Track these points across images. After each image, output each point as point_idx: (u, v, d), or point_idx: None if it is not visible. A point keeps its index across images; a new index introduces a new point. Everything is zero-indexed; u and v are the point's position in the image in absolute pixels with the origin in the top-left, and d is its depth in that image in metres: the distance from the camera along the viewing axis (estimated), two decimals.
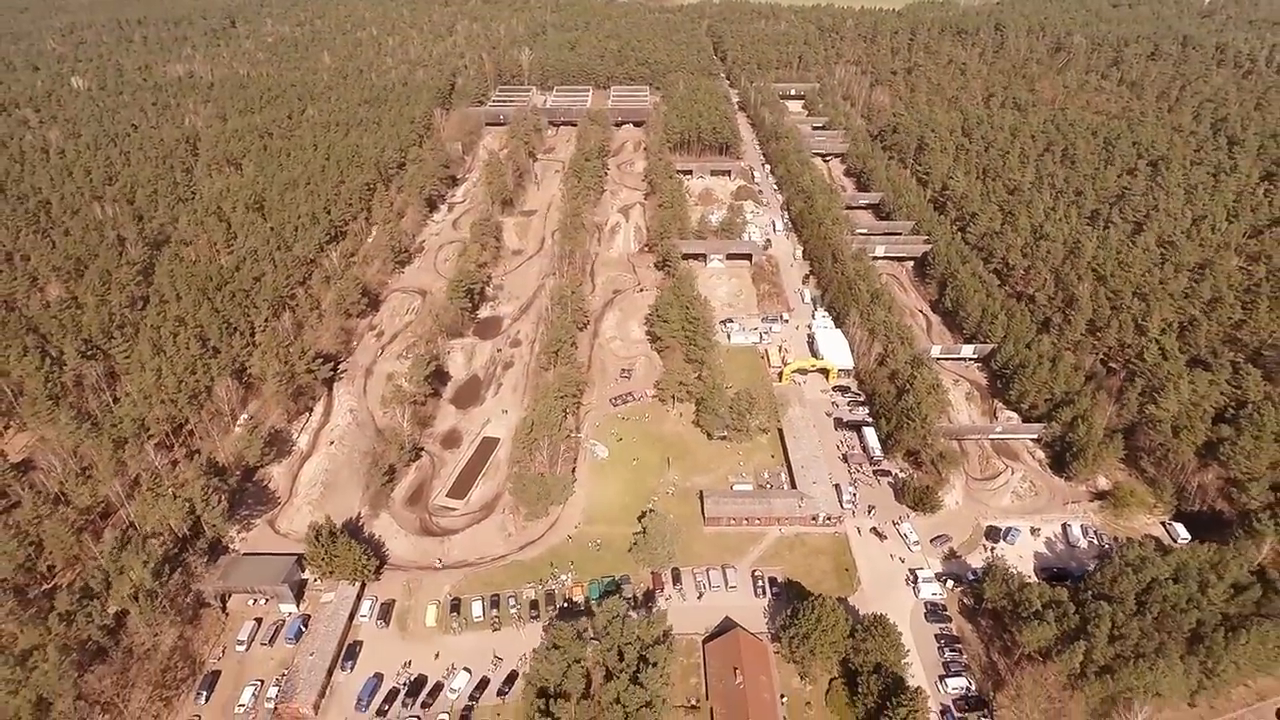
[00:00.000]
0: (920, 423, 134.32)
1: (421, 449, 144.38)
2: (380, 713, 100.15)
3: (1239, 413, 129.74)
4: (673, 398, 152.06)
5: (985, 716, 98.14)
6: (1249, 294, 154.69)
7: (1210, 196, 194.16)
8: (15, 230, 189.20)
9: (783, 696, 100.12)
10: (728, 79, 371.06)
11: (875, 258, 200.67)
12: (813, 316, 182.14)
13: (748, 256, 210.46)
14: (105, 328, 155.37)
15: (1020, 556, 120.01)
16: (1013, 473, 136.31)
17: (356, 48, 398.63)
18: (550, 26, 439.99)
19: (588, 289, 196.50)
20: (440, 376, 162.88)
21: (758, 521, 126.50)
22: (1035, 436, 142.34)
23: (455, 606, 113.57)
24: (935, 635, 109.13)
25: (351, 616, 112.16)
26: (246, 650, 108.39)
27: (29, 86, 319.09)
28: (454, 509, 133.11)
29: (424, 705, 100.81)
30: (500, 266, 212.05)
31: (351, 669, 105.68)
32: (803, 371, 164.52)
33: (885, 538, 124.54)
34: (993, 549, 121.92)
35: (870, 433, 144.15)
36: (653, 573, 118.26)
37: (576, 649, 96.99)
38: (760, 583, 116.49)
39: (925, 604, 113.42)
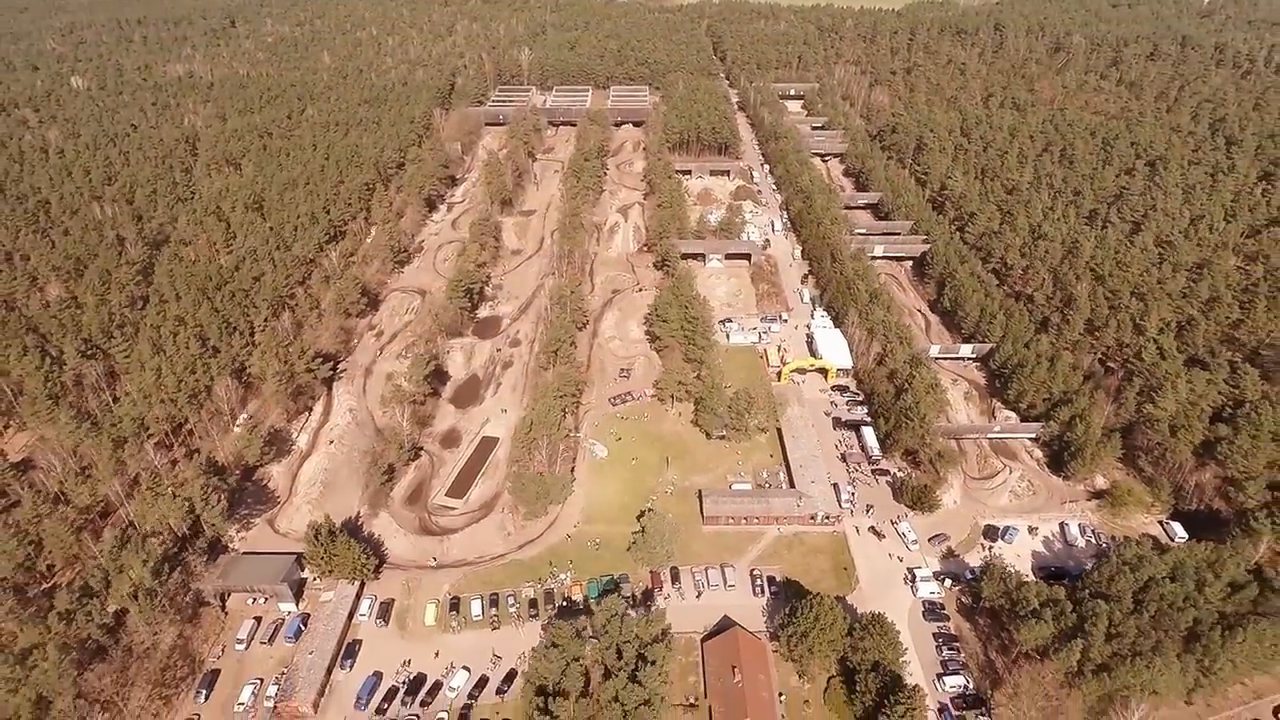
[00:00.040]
0: (919, 422, 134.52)
1: (421, 448, 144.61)
2: (379, 711, 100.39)
3: (1236, 412, 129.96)
4: (671, 397, 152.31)
5: (983, 715, 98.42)
6: (1246, 293, 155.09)
7: (1208, 196, 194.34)
8: (15, 230, 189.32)
9: (781, 695, 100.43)
10: (727, 79, 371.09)
11: (874, 257, 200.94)
12: (811, 316, 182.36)
13: (747, 256, 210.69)
14: (105, 327, 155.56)
15: (1018, 555, 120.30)
16: (1011, 472, 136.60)
17: (356, 48, 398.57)
18: (550, 26, 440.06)
19: (587, 289, 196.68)
20: (439, 376, 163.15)
21: (756, 521, 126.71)
22: (1033, 436, 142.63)
23: (454, 605, 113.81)
24: (933, 634, 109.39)
25: (351, 615, 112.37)
26: (246, 649, 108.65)
27: (29, 86, 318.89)
28: (453, 508, 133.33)
29: (423, 704, 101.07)
30: (499, 266, 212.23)
31: (351, 667, 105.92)
32: (801, 371, 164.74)
33: (883, 537, 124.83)
34: (990, 548, 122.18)
35: (869, 432, 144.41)
36: (651, 572, 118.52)
37: (575, 647, 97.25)
38: (759, 582, 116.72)
39: (923, 603, 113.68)
